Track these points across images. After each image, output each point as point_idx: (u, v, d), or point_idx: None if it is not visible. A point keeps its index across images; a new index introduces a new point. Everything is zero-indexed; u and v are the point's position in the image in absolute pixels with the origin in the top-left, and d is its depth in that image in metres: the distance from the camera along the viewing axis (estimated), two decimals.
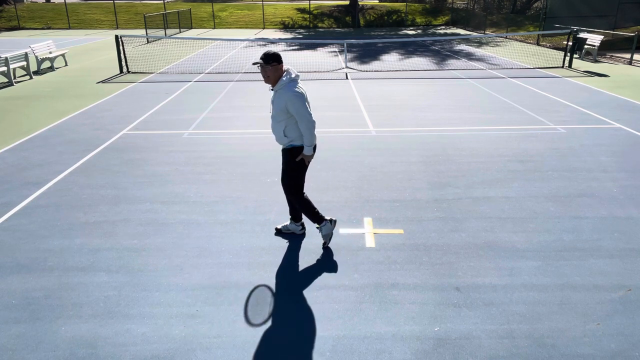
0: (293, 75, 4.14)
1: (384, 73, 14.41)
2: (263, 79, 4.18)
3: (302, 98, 4.09)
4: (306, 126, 4.13)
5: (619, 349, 3.29)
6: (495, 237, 4.77)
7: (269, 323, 3.58)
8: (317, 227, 4.65)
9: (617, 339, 3.38)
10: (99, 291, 3.96)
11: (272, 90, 4.23)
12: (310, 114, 4.15)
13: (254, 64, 4.14)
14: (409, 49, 20.66)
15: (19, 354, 3.28)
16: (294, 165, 4.34)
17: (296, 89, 4.08)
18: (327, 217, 4.62)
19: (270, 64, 4.05)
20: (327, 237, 4.59)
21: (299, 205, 4.50)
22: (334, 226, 4.66)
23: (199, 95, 11.38)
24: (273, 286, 4.03)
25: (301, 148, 4.29)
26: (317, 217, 4.52)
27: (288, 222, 4.91)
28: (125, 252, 4.55)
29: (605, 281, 4.05)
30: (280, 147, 4.47)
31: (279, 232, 4.89)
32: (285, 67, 4.16)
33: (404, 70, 14.84)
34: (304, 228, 4.87)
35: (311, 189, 5.87)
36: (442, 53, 19.09)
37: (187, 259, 4.43)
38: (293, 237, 4.82)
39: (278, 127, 4.25)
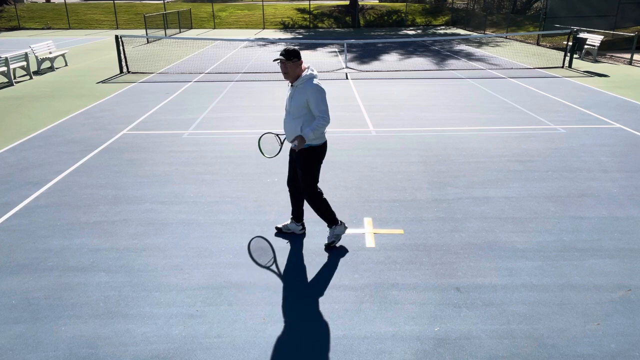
0: (314, 72, 4.16)
1: (384, 73, 14.41)
2: (283, 75, 4.18)
3: (323, 93, 4.10)
4: (322, 121, 4.08)
5: (619, 349, 3.29)
6: (495, 237, 4.77)
7: (269, 323, 3.58)
8: (329, 227, 4.63)
9: (617, 339, 3.38)
10: (99, 291, 3.96)
11: (291, 86, 4.20)
12: (328, 111, 4.13)
13: (275, 60, 4.11)
14: (409, 49, 20.66)
15: (19, 354, 3.28)
16: (310, 163, 4.29)
17: (318, 84, 4.09)
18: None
19: (291, 60, 4.04)
20: (338, 238, 4.62)
21: (317, 204, 4.44)
22: (344, 229, 4.68)
23: (199, 95, 11.38)
24: (273, 286, 4.03)
25: (317, 147, 4.25)
26: (332, 218, 4.53)
27: (289, 222, 4.90)
28: (125, 252, 4.55)
29: (605, 281, 4.05)
30: (289, 147, 4.44)
31: (279, 231, 4.89)
32: (304, 64, 4.16)
33: (404, 70, 14.84)
34: (304, 228, 4.87)
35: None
36: (442, 53, 19.10)
37: (187, 259, 4.43)
38: (293, 237, 4.82)
39: (295, 123, 4.19)
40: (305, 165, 4.31)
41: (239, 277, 4.15)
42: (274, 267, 4.30)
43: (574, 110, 9.78)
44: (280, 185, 6.07)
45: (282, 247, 4.63)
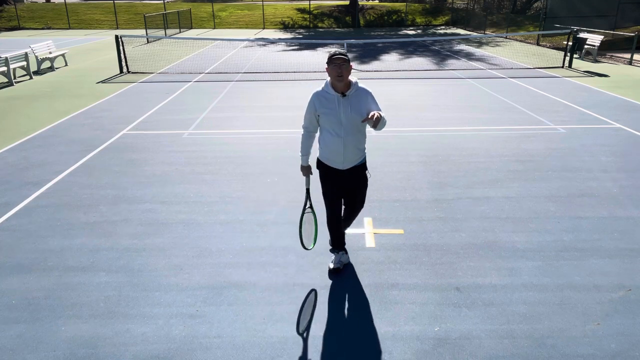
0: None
1: (384, 73, 14.41)
2: (335, 78, 3.60)
3: None
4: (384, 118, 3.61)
5: (619, 349, 3.29)
6: (495, 237, 4.77)
7: (269, 323, 3.58)
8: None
9: (617, 339, 3.38)
10: (99, 291, 3.96)
11: (342, 96, 3.66)
12: None
13: (334, 58, 3.53)
14: (409, 49, 20.66)
15: (19, 354, 3.28)
16: (367, 175, 4.11)
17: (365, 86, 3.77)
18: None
19: (350, 63, 3.61)
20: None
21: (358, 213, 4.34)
22: None
23: (199, 95, 11.38)
24: (273, 286, 4.03)
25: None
26: None
27: (337, 256, 4.25)
28: (125, 252, 4.55)
29: (605, 281, 4.05)
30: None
31: (337, 272, 4.19)
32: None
33: (404, 70, 14.84)
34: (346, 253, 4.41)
35: (312, 190, 5.85)
36: (442, 53, 19.09)
37: (187, 259, 4.43)
38: (294, 237, 4.80)
39: (361, 136, 3.85)
40: (366, 179, 4.13)
41: (239, 277, 4.15)
42: (274, 267, 4.30)
43: (574, 110, 9.78)
44: (280, 185, 6.07)
45: (282, 247, 4.63)
